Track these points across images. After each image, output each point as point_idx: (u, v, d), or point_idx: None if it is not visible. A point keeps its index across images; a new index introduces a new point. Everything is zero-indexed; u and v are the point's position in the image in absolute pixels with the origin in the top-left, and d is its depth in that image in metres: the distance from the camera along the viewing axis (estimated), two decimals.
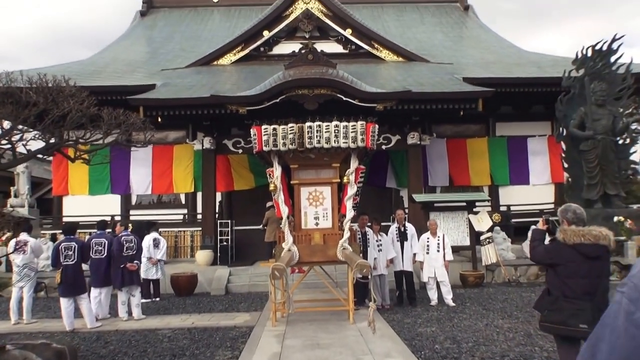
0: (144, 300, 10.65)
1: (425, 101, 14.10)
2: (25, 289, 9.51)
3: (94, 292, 9.59)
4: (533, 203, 17.64)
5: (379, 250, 10.05)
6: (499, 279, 13.48)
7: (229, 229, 15.77)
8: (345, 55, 18.13)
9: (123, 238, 9.79)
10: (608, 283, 4.72)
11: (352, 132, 8.24)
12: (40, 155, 11.63)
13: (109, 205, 18.08)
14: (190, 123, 17.24)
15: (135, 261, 9.62)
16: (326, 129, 8.23)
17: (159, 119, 14.93)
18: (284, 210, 8.46)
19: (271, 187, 8.48)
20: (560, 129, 15.46)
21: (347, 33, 18.40)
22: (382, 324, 8.29)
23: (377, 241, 10.09)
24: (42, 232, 16.56)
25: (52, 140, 7.25)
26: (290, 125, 8.25)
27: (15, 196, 15.77)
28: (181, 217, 18.05)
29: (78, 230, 17.12)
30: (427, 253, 10.39)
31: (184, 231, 17.53)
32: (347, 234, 8.36)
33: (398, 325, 8.54)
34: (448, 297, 10.26)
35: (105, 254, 9.62)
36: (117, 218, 17.73)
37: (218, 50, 18.29)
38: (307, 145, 8.23)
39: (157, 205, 18.60)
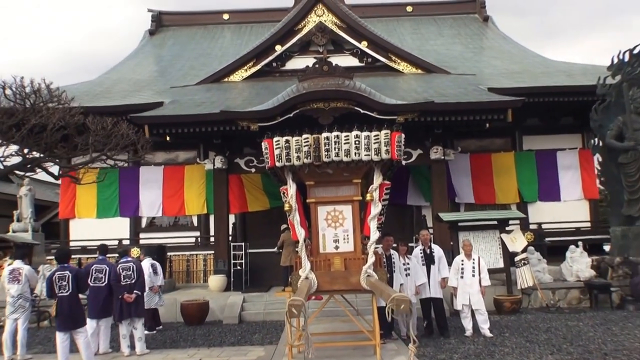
0: (147, 332, 9.71)
1: (450, 113, 13.15)
2: (20, 321, 8.62)
3: (90, 323, 8.64)
4: (566, 221, 16.49)
5: (406, 275, 9.02)
6: (536, 304, 12.31)
7: (243, 252, 14.85)
8: (362, 69, 17.28)
9: (120, 266, 8.89)
10: None
11: (374, 142, 7.30)
12: (19, 172, 11.01)
13: (117, 228, 17.32)
14: (201, 142, 16.44)
15: (135, 291, 8.71)
16: (345, 139, 7.30)
17: (167, 138, 14.20)
18: (300, 232, 7.50)
19: (285, 207, 7.53)
20: (596, 140, 14.44)
21: (363, 46, 17.60)
22: None
23: (404, 264, 9.06)
24: (48, 257, 15.76)
25: (33, 154, 6.39)
26: (304, 136, 7.33)
27: (18, 220, 15.02)
28: (193, 240, 17.16)
29: (86, 256, 16.54)
30: (461, 277, 9.31)
31: (196, 255, 16.66)
32: (371, 259, 7.35)
33: None
34: (485, 327, 9.15)
35: (106, 281, 8.74)
36: (125, 242, 16.97)
37: (229, 66, 17.57)
38: (324, 158, 7.29)
39: (168, 228, 17.78)
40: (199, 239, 17.19)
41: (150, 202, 17.32)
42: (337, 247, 7.83)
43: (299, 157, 7.32)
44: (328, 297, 8.16)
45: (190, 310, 11.58)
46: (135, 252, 13.98)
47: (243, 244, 15.09)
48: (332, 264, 7.64)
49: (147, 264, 10.86)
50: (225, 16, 24.37)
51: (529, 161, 17.08)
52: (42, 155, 6.90)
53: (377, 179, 7.53)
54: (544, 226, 16.19)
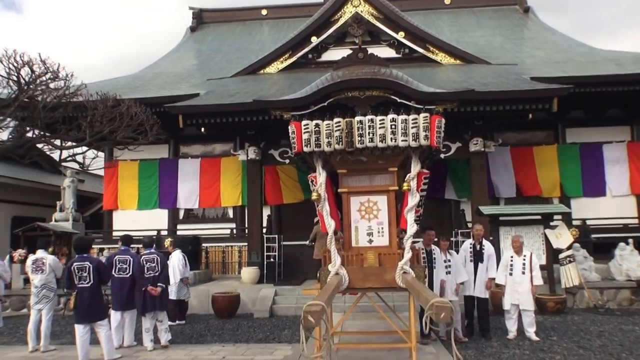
0: (171, 324, 9.04)
1: (491, 102, 11.98)
2: (45, 311, 8.08)
3: (115, 315, 8.04)
4: (612, 217, 15.04)
5: (447, 272, 8.03)
6: (582, 304, 11.09)
7: (277, 245, 14.06)
8: (399, 60, 16.20)
9: (143, 258, 8.20)
10: None
11: (412, 127, 6.32)
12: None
13: (157, 219, 16.91)
14: (236, 134, 15.72)
15: (159, 284, 8.00)
16: (380, 124, 6.35)
17: (203, 129, 13.53)
18: (330, 224, 6.59)
19: (314, 196, 6.63)
20: None
21: (400, 36, 16.54)
22: None
23: (445, 261, 8.07)
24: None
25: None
26: (336, 120, 6.42)
27: (61, 210, 14.67)
28: (228, 231, 16.50)
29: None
30: (510, 275, 8.23)
31: (232, 246, 15.99)
32: (408, 254, 6.39)
33: None
34: (530, 330, 8.06)
35: (130, 272, 8.08)
36: (164, 233, 16.47)
37: (264, 58, 16.81)
38: (357, 144, 6.36)
39: (205, 220, 17.20)
40: (234, 230, 16.52)
41: (188, 194, 16.79)
42: (370, 241, 6.89)
43: (329, 143, 6.41)
44: (361, 295, 7.25)
45: (221, 302, 10.86)
46: (167, 243, 13.46)
47: (277, 236, 14.29)
48: (365, 259, 6.71)
49: (178, 255, 10.19)
50: (264, 12, 23.64)
51: (572, 154, 15.65)
52: (37, 135, 6.16)
53: (415, 167, 6.55)
54: (588, 222, 14.78)
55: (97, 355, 7.31)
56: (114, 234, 16.75)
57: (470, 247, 8.42)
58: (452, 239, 10.98)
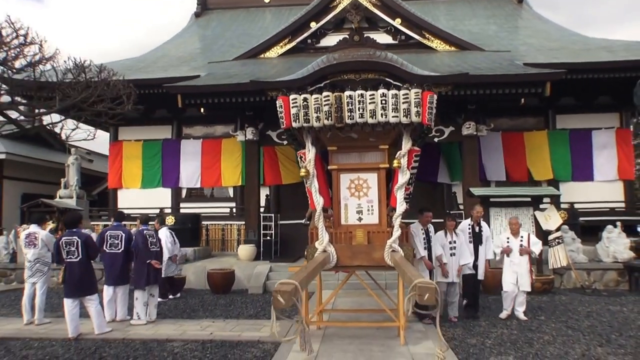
0: (161, 300, 8.59)
1: (485, 85, 11.38)
2: (38, 285, 7.58)
3: (107, 290, 7.57)
4: (599, 201, 14.49)
5: (452, 254, 7.33)
6: (569, 285, 10.62)
7: (273, 223, 13.55)
8: (395, 46, 15.50)
9: (146, 232, 7.71)
10: None
11: (404, 102, 5.77)
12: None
13: (160, 198, 16.43)
14: (237, 116, 15.15)
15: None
16: (371, 99, 5.81)
17: (202, 110, 12.96)
18: (318, 200, 6.09)
19: (302, 172, 6.11)
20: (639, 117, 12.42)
21: (397, 23, 15.82)
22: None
23: (450, 242, 7.37)
24: (92, 223, 14.93)
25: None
26: (325, 94, 5.88)
27: (65, 187, 14.17)
28: (228, 210, 16.01)
29: (131, 223, 15.69)
30: (507, 256, 7.69)
31: (231, 224, 15.50)
32: (397, 232, 5.89)
33: (460, 347, 6.00)
34: (520, 310, 7.55)
35: (122, 248, 7.59)
36: (167, 211, 15.99)
37: (265, 42, 16.15)
38: (346, 120, 5.83)
39: (206, 199, 16.69)
40: (234, 209, 16.03)
41: (190, 174, 16.29)
42: (360, 219, 6.40)
43: (318, 118, 5.88)
44: (350, 272, 6.77)
45: (216, 278, 10.40)
46: (170, 220, 12.97)
47: (273, 214, 13.78)
48: (354, 237, 6.23)
49: (165, 232, 9.69)
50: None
51: (562, 140, 15.07)
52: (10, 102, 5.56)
53: (406, 144, 6.03)
54: (576, 206, 14.25)
55: (88, 329, 6.86)
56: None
57: (469, 229, 7.74)
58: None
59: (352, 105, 5.80)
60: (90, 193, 20.26)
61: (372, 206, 6.35)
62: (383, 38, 15.76)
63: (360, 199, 6.41)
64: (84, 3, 70.70)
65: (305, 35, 16.00)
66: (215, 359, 5.68)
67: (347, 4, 15.73)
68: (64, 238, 6.70)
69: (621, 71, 13.03)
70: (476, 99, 11.94)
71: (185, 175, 16.32)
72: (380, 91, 5.81)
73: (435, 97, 5.92)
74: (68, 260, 6.66)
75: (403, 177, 5.95)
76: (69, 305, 6.66)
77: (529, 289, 7.64)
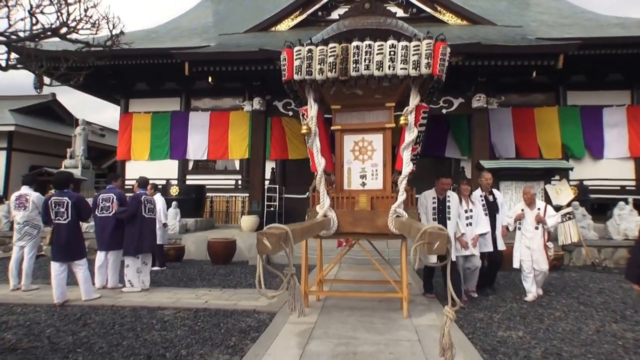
0: (155, 268, 8.02)
1: (497, 57, 10.53)
2: (27, 249, 6.95)
3: (99, 255, 7.00)
4: (610, 178, 13.65)
5: (467, 224, 6.27)
6: (579, 262, 9.89)
7: (277, 195, 12.92)
8: (407, 20, 14.44)
9: (144, 197, 7.07)
10: None
11: (414, 54, 5.03)
12: None
13: (167, 170, 15.80)
14: (244, 88, 14.42)
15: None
16: (379, 49, 5.07)
17: (210, 79, 12.24)
18: (320, 162, 5.39)
19: (303, 129, 5.40)
20: None
21: None
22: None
23: (466, 211, 6.31)
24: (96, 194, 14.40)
25: None
26: (331, 45, 5.15)
27: (71, 157, 13.58)
28: (233, 182, 15.39)
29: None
30: (519, 229, 6.64)
31: (235, 197, 14.91)
32: (402, 196, 5.18)
33: (466, 321, 5.35)
34: (534, 289, 6.75)
35: (113, 211, 6.97)
36: (173, 182, 15.40)
37: (276, 15, 15.31)
38: (351, 72, 5.10)
39: (213, 171, 16.08)
40: (239, 181, 15.40)
41: (197, 146, 15.62)
42: (363, 184, 5.69)
43: (321, 70, 5.15)
44: (352, 243, 6.10)
45: (217, 248, 9.79)
46: (174, 190, 12.35)
47: (278, 186, 13.15)
48: (356, 203, 5.53)
49: (161, 198, 9.06)
50: None
51: (573, 117, 14.15)
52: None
53: (414, 100, 5.28)
54: (586, 183, 13.43)
55: (78, 295, 6.28)
56: (127, 182, 15.73)
57: (482, 199, 6.62)
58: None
59: (358, 57, 5.06)
60: (100, 167, 19.77)
61: (376, 170, 5.64)
62: (395, 11, 14.71)
63: (364, 162, 5.69)
64: None
65: (316, 7, 15.15)
66: (206, 327, 5.07)
67: None
68: (53, 198, 6.08)
69: (634, 47, 12.10)
70: (487, 70, 11.10)
71: (192, 148, 15.67)
72: (390, 42, 5.07)
73: (449, 49, 5.17)
74: (56, 221, 6.06)
75: (410, 135, 5.22)
76: (56, 269, 6.07)
77: (545, 267, 6.45)
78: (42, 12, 4.62)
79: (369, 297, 6.00)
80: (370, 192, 5.59)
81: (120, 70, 14.78)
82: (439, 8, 14.82)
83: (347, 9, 14.75)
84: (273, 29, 15.56)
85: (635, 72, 13.94)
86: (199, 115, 15.75)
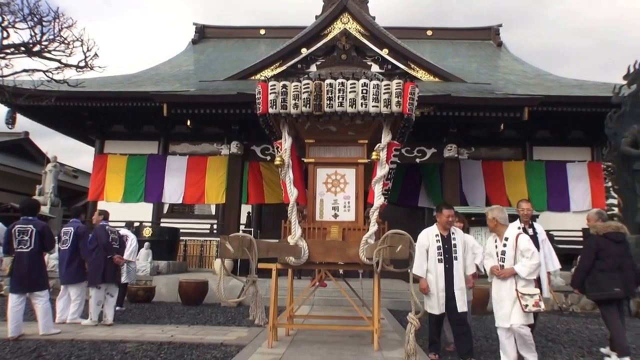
0: (119, 308, 7.77)
1: (467, 108, 11.07)
2: None
3: (62, 289, 6.79)
4: (574, 229, 14.04)
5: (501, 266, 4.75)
6: (547, 307, 9.95)
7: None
8: (382, 75, 15.23)
9: (108, 228, 7.00)
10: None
11: (385, 92, 5.30)
12: None
13: (141, 212, 15.54)
14: (224, 133, 14.59)
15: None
16: (351, 87, 5.32)
17: (188, 122, 12.44)
18: (292, 192, 5.47)
19: (276, 161, 5.53)
20: (610, 147, 12.13)
21: (384, 53, 15.61)
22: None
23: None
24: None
25: None
26: (305, 82, 5.38)
27: (40, 194, 13.32)
28: (208, 226, 15.25)
29: None
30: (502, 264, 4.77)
31: (210, 241, 14.70)
32: (373, 227, 5.27)
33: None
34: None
35: (69, 245, 6.84)
36: (147, 224, 15.16)
37: (256, 64, 15.79)
38: (325, 108, 5.31)
39: (188, 215, 15.94)
40: (214, 226, 15.28)
41: (174, 190, 15.52)
42: (335, 215, 5.78)
43: (296, 105, 5.35)
44: (322, 272, 6.10)
45: (188, 289, 9.58)
46: (146, 232, 12.18)
47: (252, 229, 13.08)
48: (328, 233, 5.60)
49: (133, 237, 8.94)
50: (262, 31, 22.71)
51: (539, 170, 14.78)
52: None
53: (386, 137, 5.49)
54: (552, 233, 13.74)
55: (34, 330, 5.96)
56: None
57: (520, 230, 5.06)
58: None
59: (332, 94, 5.30)
60: (70, 208, 19.38)
61: (349, 202, 5.76)
62: (370, 64, 15.57)
63: (336, 194, 5.81)
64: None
65: (296, 60, 15.67)
66: (169, 359, 4.90)
67: (337, 33, 15.51)
68: (17, 226, 5.93)
69: (591, 106, 13.00)
70: (458, 121, 11.61)
71: (168, 191, 15.55)
72: (362, 80, 5.33)
73: (417, 89, 5.45)
74: (18, 250, 5.86)
75: (381, 170, 5.38)
76: (13, 300, 5.79)
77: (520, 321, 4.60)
78: (14, 27, 4.70)
79: (340, 329, 5.94)
80: (342, 224, 5.67)
81: (97, 111, 14.90)
82: (412, 65, 15.57)
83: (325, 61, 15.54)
84: (253, 77, 15.98)
85: (594, 131, 14.74)
86: (177, 159, 15.78)
